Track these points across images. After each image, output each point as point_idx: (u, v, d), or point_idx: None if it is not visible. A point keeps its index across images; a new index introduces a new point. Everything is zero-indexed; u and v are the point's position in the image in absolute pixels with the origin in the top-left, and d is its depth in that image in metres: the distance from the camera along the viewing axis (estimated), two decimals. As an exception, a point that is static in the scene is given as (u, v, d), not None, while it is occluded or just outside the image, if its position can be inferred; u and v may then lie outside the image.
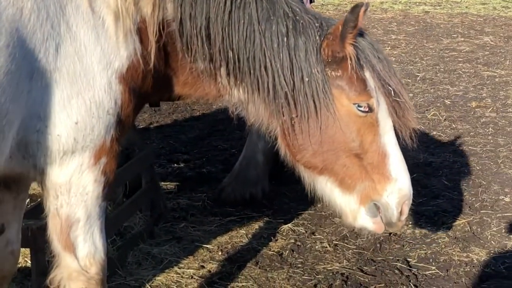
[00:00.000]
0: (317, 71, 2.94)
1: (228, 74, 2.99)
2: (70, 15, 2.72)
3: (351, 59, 2.95)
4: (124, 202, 4.97)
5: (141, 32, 2.87)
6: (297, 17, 2.98)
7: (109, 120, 2.81)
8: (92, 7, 2.76)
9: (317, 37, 2.98)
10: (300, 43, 2.95)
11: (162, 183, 5.98)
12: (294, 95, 2.96)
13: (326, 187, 3.16)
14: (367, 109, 3.01)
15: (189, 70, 3.02)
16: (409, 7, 16.22)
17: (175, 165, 6.62)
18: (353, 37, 2.96)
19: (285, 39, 2.93)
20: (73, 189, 2.85)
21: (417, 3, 16.81)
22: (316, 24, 3.01)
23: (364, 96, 3.00)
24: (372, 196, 3.11)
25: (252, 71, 2.95)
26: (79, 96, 2.73)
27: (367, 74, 3.02)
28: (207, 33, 2.91)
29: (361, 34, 3.03)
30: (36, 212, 3.56)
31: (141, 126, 7.64)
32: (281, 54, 2.93)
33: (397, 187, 3.10)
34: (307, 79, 2.94)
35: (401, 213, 3.14)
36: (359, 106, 3.00)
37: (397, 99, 3.05)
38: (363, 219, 3.18)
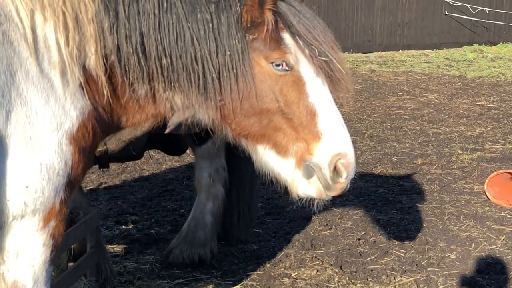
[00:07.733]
0: (237, 42, 2.95)
1: (164, 82, 2.98)
2: (21, 81, 2.72)
3: (267, 24, 2.97)
4: (69, 267, 4.85)
5: (88, 78, 2.86)
6: None
7: (59, 182, 2.78)
8: (41, 69, 2.76)
9: (238, 7, 2.98)
10: (222, 20, 2.95)
11: (109, 246, 5.87)
12: (219, 75, 2.95)
13: (265, 155, 3.13)
14: (285, 67, 3.01)
15: (131, 100, 3.01)
16: (356, 65, 16.63)
17: (123, 226, 6.53)
18: (272, 2, 2.98)
19: (210, 24, 2.94)
20: (21, 254, 2.79)
21: (364, 62, 17.25)
22: None
23: (278, 53, 3.00)
24: (304, 157, 3.07)
25: (184, 67, 2.95)
26: (29, 159, 2.70)
27: (286, 35, 3.03)
28: (142, 48, 2.91)
29: None
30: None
31: (89, 187, 7.54)
32: (208, 40, 2.94)
33: (327, 146, 3.04)
34: (228, 53, 2.94)
35: (338, 173, 3.06)
36: (276, 64, 3.00)
37: (323, 59, 3.05)
38: (302, 186, 3.11)
